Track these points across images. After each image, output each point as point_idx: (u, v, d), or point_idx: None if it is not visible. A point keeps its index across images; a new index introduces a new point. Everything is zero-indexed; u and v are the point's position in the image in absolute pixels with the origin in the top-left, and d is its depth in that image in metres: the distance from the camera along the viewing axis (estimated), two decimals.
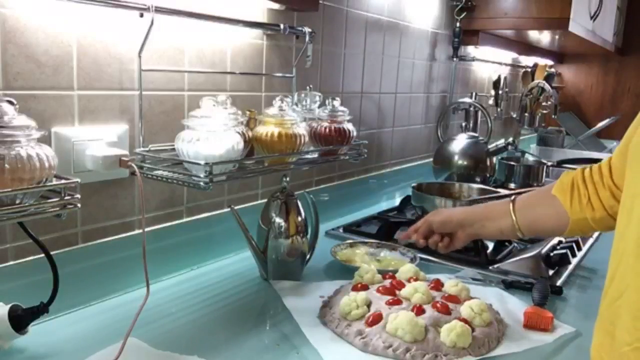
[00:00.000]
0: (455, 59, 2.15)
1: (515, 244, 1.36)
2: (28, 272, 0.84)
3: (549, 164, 2.13)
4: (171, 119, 1.04)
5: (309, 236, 1.12)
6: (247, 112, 1.03)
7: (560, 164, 2.20)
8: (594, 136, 3.19)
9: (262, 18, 1.21)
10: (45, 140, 0.83)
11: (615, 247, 0.71)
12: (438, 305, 0.90)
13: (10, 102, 0.67)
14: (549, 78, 2.83)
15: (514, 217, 1.00)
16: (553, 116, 2.72)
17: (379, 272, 1.05)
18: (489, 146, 1.94)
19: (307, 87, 1.22)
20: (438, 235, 1.10)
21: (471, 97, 2.14)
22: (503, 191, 1.48)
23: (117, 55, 0.94)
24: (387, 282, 1.00)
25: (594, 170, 0.91)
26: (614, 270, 0.69)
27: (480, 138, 1.98)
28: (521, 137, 2.98)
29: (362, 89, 1.65)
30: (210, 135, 0.87)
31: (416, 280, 1.01)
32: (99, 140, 0.92)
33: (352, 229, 1.45)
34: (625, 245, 0.67)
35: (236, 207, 1.05)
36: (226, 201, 1.20)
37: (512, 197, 1.03)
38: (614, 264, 0.70)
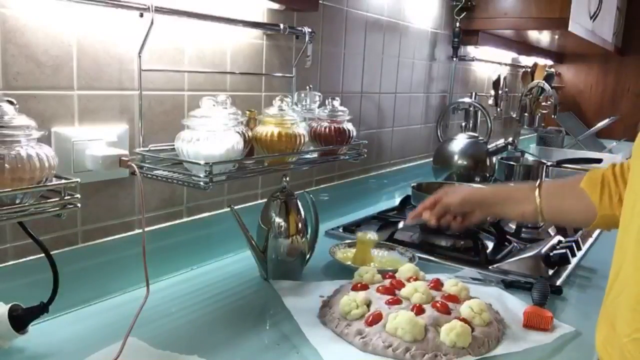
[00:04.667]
0: (455, 58, 2.15)
1: (515, 244, 1.37)
2: (28, 271, 0.84)
3: (549, 163, 2.13)
4: (171, 119, 1.04)
5: (308, 236, 1.12)
6: (247, 112, 1.03)
7: (559, 163, 2.20)
8: (594, 136, 3.19)
9: (262, 18, 1.21)
10: (45, 140, 0.83)
11: (619, 242, 0.73)
12: (438, 304, 0.90)
13: (10, 102, 0.67)
14: (548, 78, 2.83)
15: (538, 204, 0.98)
16: (553, 116, 2.72)
17: (379, 271, 1.05)
18: (489, 146, 1.95)
19: (307, 87, 1.22)
20: (450, 214, 1.08)
21: (471, 97, 2.14)
22: None
23: (117, 55, 0.94)
24: (387, 282, 1.00)
25: (625, 167, 0.90)
26: (618, 265, 0.71)
27: (480, 138, 1.98)
28: (521, 137, 2.97)
29: (362, 89, 1.65)
30: (210, 135, 0.87)
31: (416, 279, 1.01)
32: (99, 140, 0.92)
33: (352, 229, 1.45)
34: (628, 240, 0.69)
35: (236, 207, 1.05)
36: (226, 201, 1.20)
37: (538, 183, 1.01)
38: (618, 259, 0.72)
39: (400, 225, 1.20)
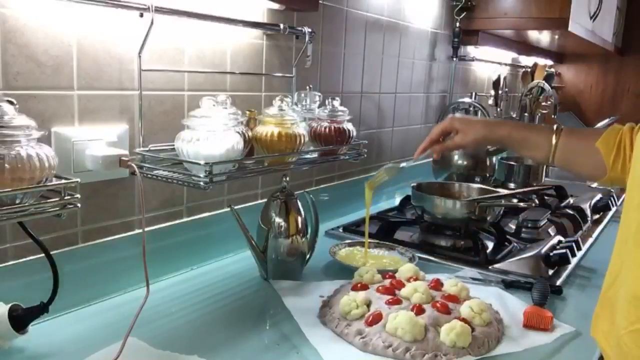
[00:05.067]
0: (455, 58, 2.15)
1: (515, 244, 1.37)
2: (28, 271, 0.84)
3: None
4: (171, 119, 1.04)
5: (308, 236, 1.12)
6: (247, 112, 1.03)
7: None
8: None
9: (262, 18, 1.21)
10: (45, 140, 0.83)
11: (620, 236, 0.73)
12: (438, 304, 0.90)
13: (10, 102, 0.67)
14: (548, 78, 2.82)
15: (551, 154, 0.97)
16: (553, 116, 2.72)
17: (379, 271, 1.05)
18: (489, 146, 1.94)
19: (307, 87, 1.22)
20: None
21: (471, 97, 2.14)
22: (503, 191, 1.48)
23: (117, 55, 0.94)
24: (387, 282, 1.00)
25: None
26: (621, 260, 0.72)
27: None
28: None
29: (362, 89, 1.65)
30: (210, 135, 0.87)
31: (416, 279, 1.01)
32: (99, 140, 0.92)
33: (352, 228, 1.45)
34: (629, 235, 0.69)
35: (236, 207, 1.05)
36: (226, 201, 1.20)
37: (556, 127, 0.98)
38: (620, 253, 0.72)
39: (403, 164, 1.17)
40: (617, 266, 0.72)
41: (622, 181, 0.88)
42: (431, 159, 1.09)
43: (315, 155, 1.12)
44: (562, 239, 1.38)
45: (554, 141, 0.96)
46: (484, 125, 1.04)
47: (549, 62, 3.33)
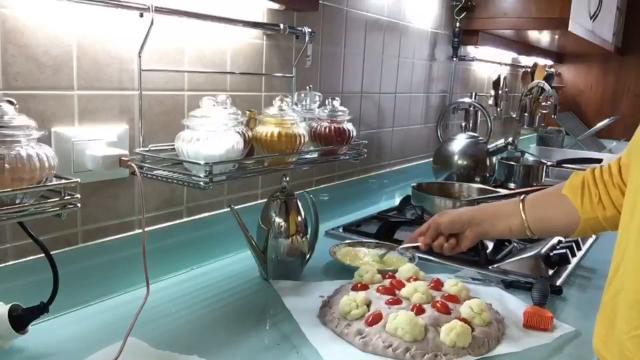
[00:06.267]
0: (455, 58, 2.16)
1: (515, 244, 1.36)
2: (28, 271, 0.84)
3: (549, 163, 2.13)
4: (171, 119, 1.04)
5: (308, 236, 1.12)
6: (247, 112, 1.03)
7: (559, 163, 2.21)
8: (594, 136, 3.19)
9: (262, 18, 1.21)
10: (45, 140, 0.83)
11: (619, 239, 0.73)
12: (438, 304, 0.90)
13: (10, 102, 0.67)
14: (548, 78, 2.83)
15: (523, 216, 0.99)
16: (553, 116, 2.72)
17: (379, 271, 1.05)
18: (489, 146, 1.94)
19: (307, 87, 1.22)
20: (443, 237, 1.08)
21: (471, 97, 2.14)
22: (503, 191, 1.48)
23: (117, 55, 0.94)
24: (387, 282, 1.00)
25: (604, 169, 0.92)
26: (617, 262, 0.71)
27: (480, 138, 1.98)
28: (521, 137, 2.98)
29: (362, 89, 1.65)
30: (210, 135, 0.87)
31: (416, 279, 1.01)
32: (99, 140, 0.92)
33: (352, 228, 1.45)
34: (628, 237, 0.69)
35: (236, 207, 1.05)
36: (226, 201, 1.20)
37: (522, 197, 1.02)
38: (617, 256, 0.72)
39: (398, 249, 1.21)
40: (614, 269, 0.72)
41: (598, 223, 0.91)
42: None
43: (315, 155, 1.12)
44: (562, 238, 1.38)
45: (520, 206, 1.00)
46: (456, 211, 1.11)
47: (549, 62, 3.34)
